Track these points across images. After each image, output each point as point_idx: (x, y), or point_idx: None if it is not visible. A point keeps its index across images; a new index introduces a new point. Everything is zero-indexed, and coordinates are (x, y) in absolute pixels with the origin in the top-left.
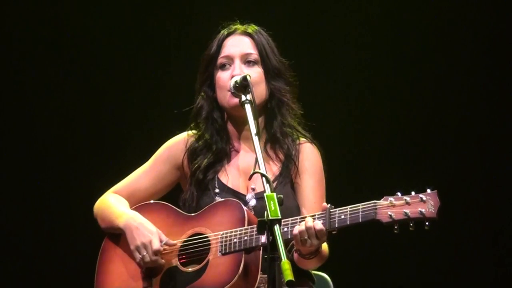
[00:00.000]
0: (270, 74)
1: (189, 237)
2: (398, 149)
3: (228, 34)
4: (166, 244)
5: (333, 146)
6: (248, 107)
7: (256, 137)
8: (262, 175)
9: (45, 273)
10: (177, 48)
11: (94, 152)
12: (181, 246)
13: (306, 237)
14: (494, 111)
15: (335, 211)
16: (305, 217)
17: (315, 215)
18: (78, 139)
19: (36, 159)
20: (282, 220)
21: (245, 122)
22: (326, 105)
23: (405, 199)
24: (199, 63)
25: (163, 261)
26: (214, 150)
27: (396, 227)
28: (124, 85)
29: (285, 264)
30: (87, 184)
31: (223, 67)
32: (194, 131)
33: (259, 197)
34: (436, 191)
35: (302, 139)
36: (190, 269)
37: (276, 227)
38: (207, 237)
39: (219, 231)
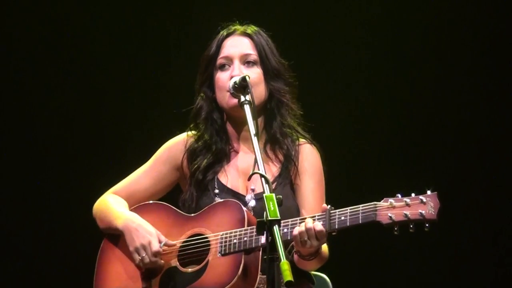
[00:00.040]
0: (269, 74)
1: (189, 237)
2: (398, 149)
3: (228, 35)
4: (165, 244)
5: (332, 146)
6: (247, 108)
7: (256, 137)
8: (261, 175)
9: (45, 273)
10: (177, 48)
11: (94, 152)
12: (181, 246)
13: (306, 238)
14: (494, 111)
15: (335, 212)
16: (305, 218)
17: (315, 216)
18: (78, 139)
19: (36, 159)
20: (282, 221)
21: (245, 122)
22: (326, 105)
23: (405, 201)
24: (199, 64)
25: (162, 261)
26: (214, 151)
27: (396, 228)
28: (124, 85)
29: (284, 265)
30: (87, 184)
31: (222, 67)
32: (193, 132)
33: (259, 198)
34: (436, 192)
35: (302, 140)
36: (189, 270)
37: (275, 228)
38: (206, 237)
39: (218, 231)
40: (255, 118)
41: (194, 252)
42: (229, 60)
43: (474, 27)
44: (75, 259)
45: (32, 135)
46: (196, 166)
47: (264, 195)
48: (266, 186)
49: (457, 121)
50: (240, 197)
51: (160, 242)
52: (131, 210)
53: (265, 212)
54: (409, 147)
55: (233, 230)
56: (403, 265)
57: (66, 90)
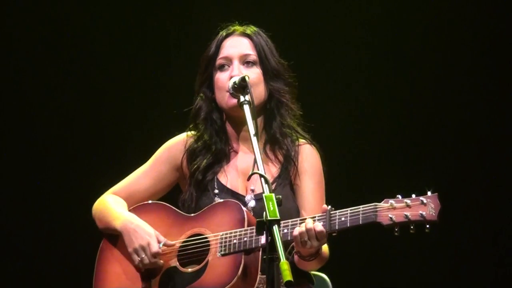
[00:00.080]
0: (269, 74)
1: (189, 237)
2: (398, 149)
3: (227, 35)
4: (164, 244)
5: (332, 146)
6: (246, 108)
7: (255, 137)
8: (261, 175)
9: (45, 273)
10: (177, 48)
11: (94, 152)
12: (181, 246)
13: (306, 239)
14: (494, 111)
15: (335, 213)
16: (305, 218)
17: (315, 217)
18: (78, 139)
19: (36, 159)
20: (282, 222)
21: (244, 123)
22: (326, 105)
23: (406, 202)
24: (198, 64)
25: (161, 262)
26: (213, 151)
27: (396, 229)
28: (124, 85)
29: (284, 265)
30: (87, 184)
31: (221, 68)
32: (193, 132)
33: (259, 198)
34: (436, 194)
35: (302, 140)
36: (189, 270)
37: (275, 228)
38: (206, 237)
39: (218, 231)
40: (254, 118)
41: (194, 252)
42: (229, 60)
43: (474, 27)
44: (75, 259)
45: (32, 135)
46: (195, 166)
47: (263, 195)
48: (265, 186)
49: (457, 121)
50: (240, 198)
51: (159, 242)
52: (130, 209)
53: (264, 212)
54: (409, 147)
55: (233, 230)
56: (403, 265)
57: (66, 90)
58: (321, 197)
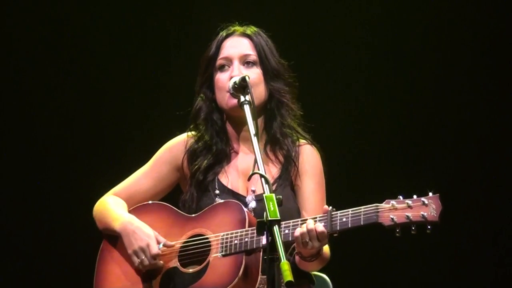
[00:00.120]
0: (269, 75)
1: (189, 238)
2: (398, 149)
3: (227, 36)
4: (164, 245)
5: (333, 146)
6: (247, 108)
7: (255, 137)
8: (261, 175)
9: (45, 273)
10: (177, 48)
11: (94, 152)
12: (181, 247)
13: (307, 240)
14: (494, 111)
15: (337, 213)
16: (307, 219)
17: (316, 218)
18: (78, 139)
19: (36, 159)
20: (283, 222)
21: (244, 123)
22: (326, 105)
23: (407, 203)
24: (198, 65)
25: (161, 262)
26: (214, 152)
27: (398, 230)
28: (124, 85)
29: (285, 265)
30: (87, 184)
31: (222, 68)
32: (193, 132)
33: (259, 199)
34: (438, 194)
35: (302, 141)
36: (190, 270)
37: (275, 228)
38: (207, 238)
39: (219, 232)
40: (255, 118)
41: (195, 253)
42: (229, 60)
43: (474, 27)
44: (75, 259)
45: (32, 135)
46: (196, 167)
47: (264, 195)
48: (266, 186)
49: (457, 121)
50: (241, 198)
51: (158, 243)
52: (131, 210)
53: (265, 213)
54: (409, 147)
55: (234, 231)
56: (403, 265)
57: (66, 90)
58: (322, 197)
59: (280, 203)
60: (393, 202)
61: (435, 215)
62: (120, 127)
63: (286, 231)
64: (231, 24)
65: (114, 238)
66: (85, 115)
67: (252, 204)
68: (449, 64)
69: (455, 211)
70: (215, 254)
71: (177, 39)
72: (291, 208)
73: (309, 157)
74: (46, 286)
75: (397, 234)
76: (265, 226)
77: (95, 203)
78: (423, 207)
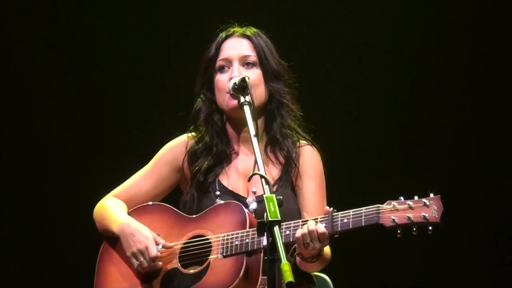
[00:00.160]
0: (269, 75)
1: (190, 239)
2: (398, 149)
3: (227, 37)
4: (163, 247)
5: (333, 147)
6: (247, 109)
7: (255, 138)
8: (261, 176)
9: (45, 273)
10: (177, 48)
11: (94, 152)
12: (182, 247)
13: (308, 241)
14: (494, 111)
15: (338, 214)
16: (307, 220)
17: (317, 219)
18: (78, 139)
19: (36, 159)
20: (284, 223)
21: (245, 124)
22: (326, 105)
23: (408, 204)
24: (198, 66)
25: (161, 264)
26: (215, 153)
27: (399, 231)
28: (124, 85)
29: (285, 266)
30: (87, 184)
31: (221, 69)
32: (193, 133)
33: (260, 200)
34: (439, 195)
35: (303, 142)
36: (191, 271)
37: (276, 229)
38: (208, 239)
39: (220, 233)
40: (255, 119)
41: (195, 254)
42: (228, 62)
43: (474, 27)
44: (75, 259)
45: (32, 135)
46: (197, 168)
47: (264, 196)
48: (266, 187)
49: (457, 121)
50: (241, 199)
51: (157, 244)
52: (131, 211)
53: (265, 213)
54: (409, 147)
55: (235, 232)
56: (403, 265)
57: (66, 90)
58: (323, 198)
59: (280, 203)
60: (394, 203)
61: (436, 216)
62: (120, 127)
63: (287, 232)
64: (230, 25)
65: (114, 239)
66: (85, 115)
67: (253, 205)
68: (449, 64)
69: (455, 211)
70: (215, 255)
71: (177, 39)
72: (291, 209)
73: (310, 158)
74: (46, 286)
75: (398, 235)
76: (265, 227)
77: (95, 203)
78: (424, 208)
